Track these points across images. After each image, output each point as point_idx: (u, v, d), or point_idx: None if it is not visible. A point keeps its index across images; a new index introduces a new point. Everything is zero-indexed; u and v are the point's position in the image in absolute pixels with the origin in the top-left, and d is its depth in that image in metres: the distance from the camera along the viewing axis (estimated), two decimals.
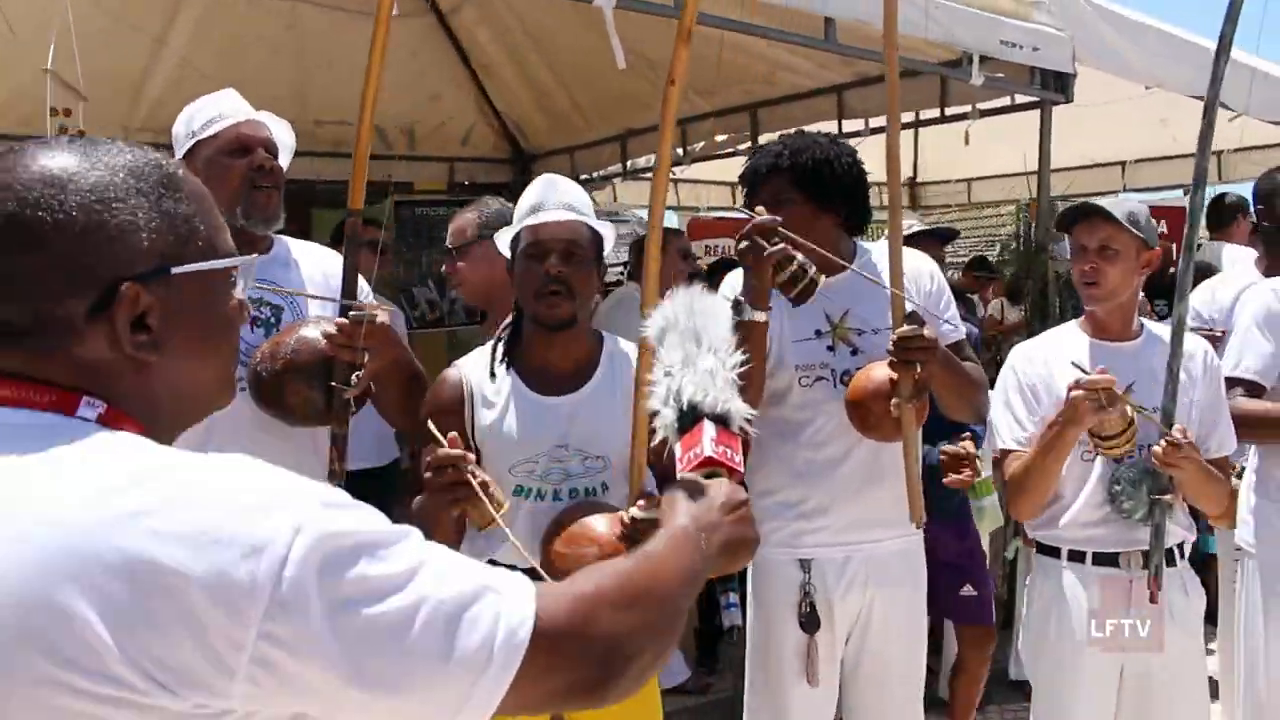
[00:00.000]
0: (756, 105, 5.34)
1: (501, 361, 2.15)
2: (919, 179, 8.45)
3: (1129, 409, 2.27)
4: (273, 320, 2.26)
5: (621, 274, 6.66)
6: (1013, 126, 4.87)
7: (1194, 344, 2.52)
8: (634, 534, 1.75)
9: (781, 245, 2.18)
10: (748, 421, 1.33)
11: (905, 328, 2.23)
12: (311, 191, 5.50)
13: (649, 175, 6.33)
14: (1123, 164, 7.66)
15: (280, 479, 0.87)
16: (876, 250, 2.53)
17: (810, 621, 2.38)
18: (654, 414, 1.35)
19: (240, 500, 0.83)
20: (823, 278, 2.22)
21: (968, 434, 3.02)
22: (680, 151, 5.97)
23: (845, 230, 2.52)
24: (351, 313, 2.07)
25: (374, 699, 0.84)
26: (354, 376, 2.06)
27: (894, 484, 2.35)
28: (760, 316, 2.25)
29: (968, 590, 3.49)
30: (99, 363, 0.90)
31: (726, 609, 4.16)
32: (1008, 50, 3.97)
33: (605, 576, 1.00)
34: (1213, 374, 2.53)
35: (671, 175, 7.14)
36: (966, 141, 5.02)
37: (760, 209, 2.27)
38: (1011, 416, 2.50)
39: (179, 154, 2.23)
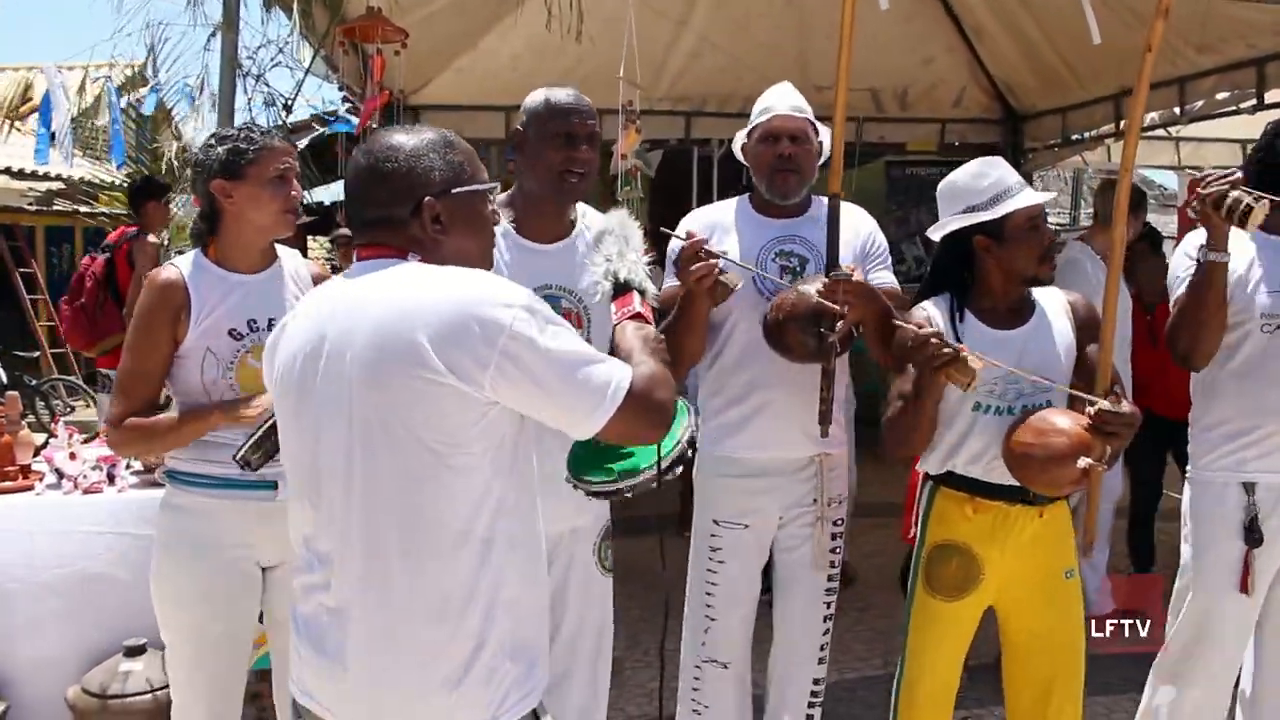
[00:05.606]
0: (1264, 60, 5.07)
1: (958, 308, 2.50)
2: None
3: None
4: (798, 269, 2.71)
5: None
6: None
7: None
8: (1100, 424, 2.25)
9: (1217, 188, 2.37)
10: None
11: None
12: None
13: (1146, 135, 6.15)
14: None
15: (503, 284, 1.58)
16: None
17: (1253, 536, 2.59)
18: (596, 282, 2.04)
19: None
20: (1264, 202, 2.34)
21: None
22: (1177, 111, 5.74)
23: None
24: (833, 273, 2.47)
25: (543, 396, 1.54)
26: (838, 324, 2.46)
27: None
28: (1218, 258, 2.48)
29: None
30: (416, 238, 1.63)
31: None
32: None
33: (651, 368, 1.67)
34: None
35: (1171, 135, 6.87)
36: None
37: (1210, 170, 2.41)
38: None
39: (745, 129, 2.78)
